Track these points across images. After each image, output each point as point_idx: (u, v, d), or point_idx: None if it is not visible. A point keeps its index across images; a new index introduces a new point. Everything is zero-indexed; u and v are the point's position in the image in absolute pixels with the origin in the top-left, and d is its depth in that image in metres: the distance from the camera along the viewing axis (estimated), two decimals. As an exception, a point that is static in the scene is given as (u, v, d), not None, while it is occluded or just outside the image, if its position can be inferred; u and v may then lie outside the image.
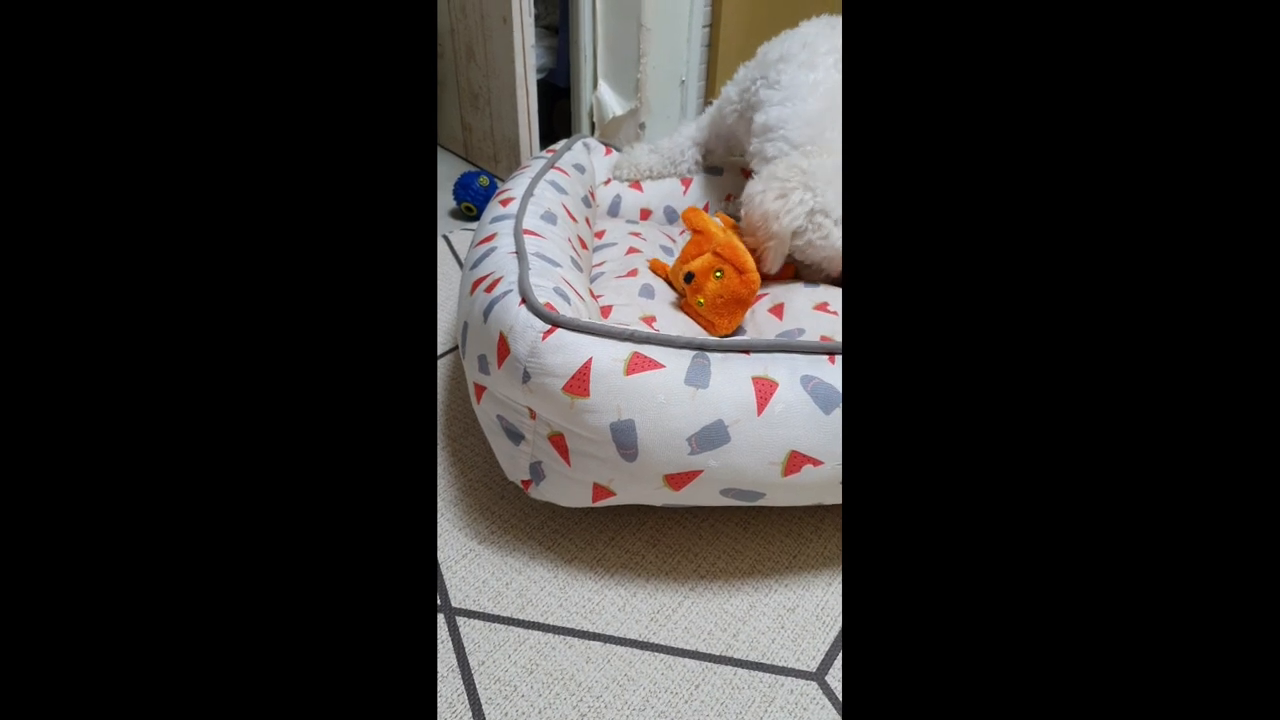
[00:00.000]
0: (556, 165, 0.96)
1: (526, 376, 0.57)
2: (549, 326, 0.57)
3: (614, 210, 1.14)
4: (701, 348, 0.57)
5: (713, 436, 0.54)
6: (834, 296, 0.86)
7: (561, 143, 1.06)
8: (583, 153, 1.08)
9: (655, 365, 0.55)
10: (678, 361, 0.56)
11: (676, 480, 0.57)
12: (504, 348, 0.58)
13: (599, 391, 0.55)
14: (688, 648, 0.57)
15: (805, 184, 0.83)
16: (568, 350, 0.55)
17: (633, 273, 0.91)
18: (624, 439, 0.55)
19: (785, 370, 0.56)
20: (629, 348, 0.56)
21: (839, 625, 0.58)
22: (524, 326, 0.57)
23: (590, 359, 0.55)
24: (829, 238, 0.83)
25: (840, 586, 0.62)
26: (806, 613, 0.60)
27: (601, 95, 1.40)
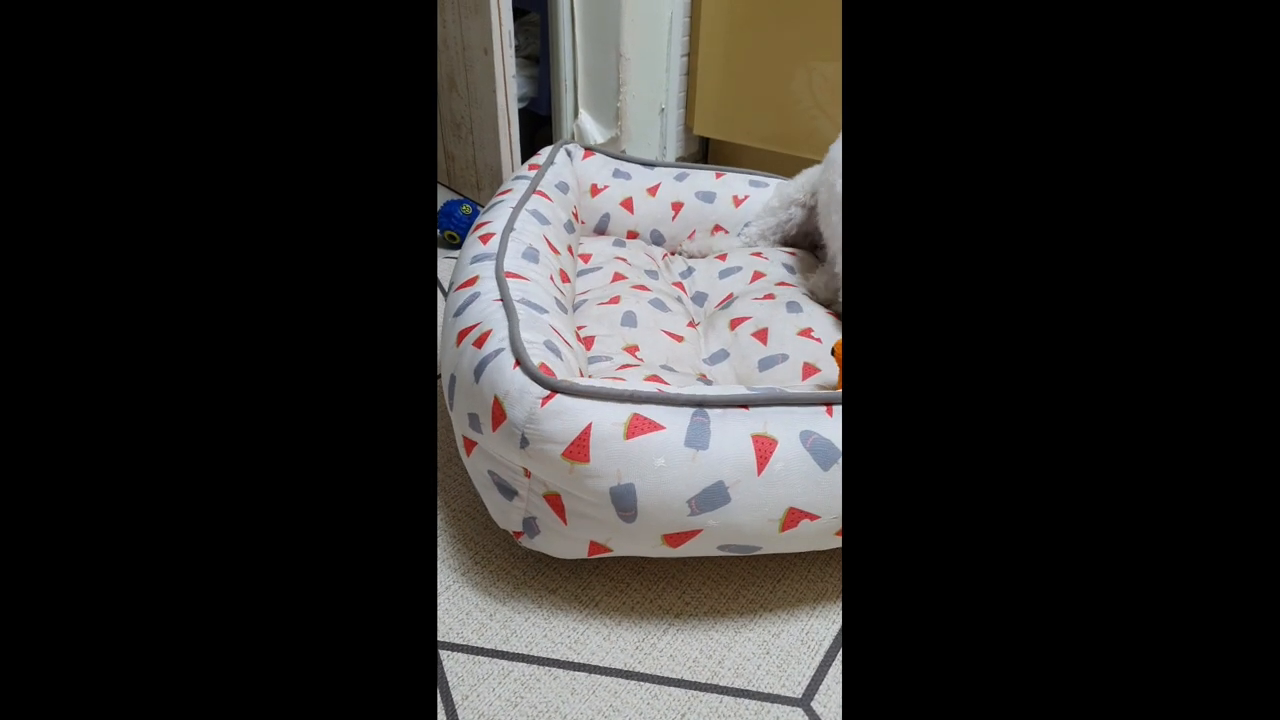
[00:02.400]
0: (539, 189, 0.90)
1: (525, 442, 0.52)
2: (547, 392, 0.52)
3: (602, 226, 1.14)
4: (701, 404, 0.53)
5: (713, 498, 0.51)
6: (817, 322, 0.87)
7: (544, 153, 0.98)
8: (566, 166, 1.00)
9: (655, 427, 0.51)
10: (677, 421, 0.51)
11: (675, 539, 0.53)
12: (499, 412, 0.53)
13: (599, 457, 0.51)
14: (673, 676, 0.54)
15: None
16: (567, 416, 0.51)
17: (615, 300, 0.92)
18: (623, 502, 0.51)
19: (783, 425, 0.53)
20: (628, 409, 0.52)
21: (824, 651, 0.56)
22: (520, 392, 0.52)
23: (590, 424, 0.51)
24: None
25: (825, 613, 0.60)
26: (792, 638, 0.57)
27: (582, 123, 1.38)
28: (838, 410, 0.56)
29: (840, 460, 0.53)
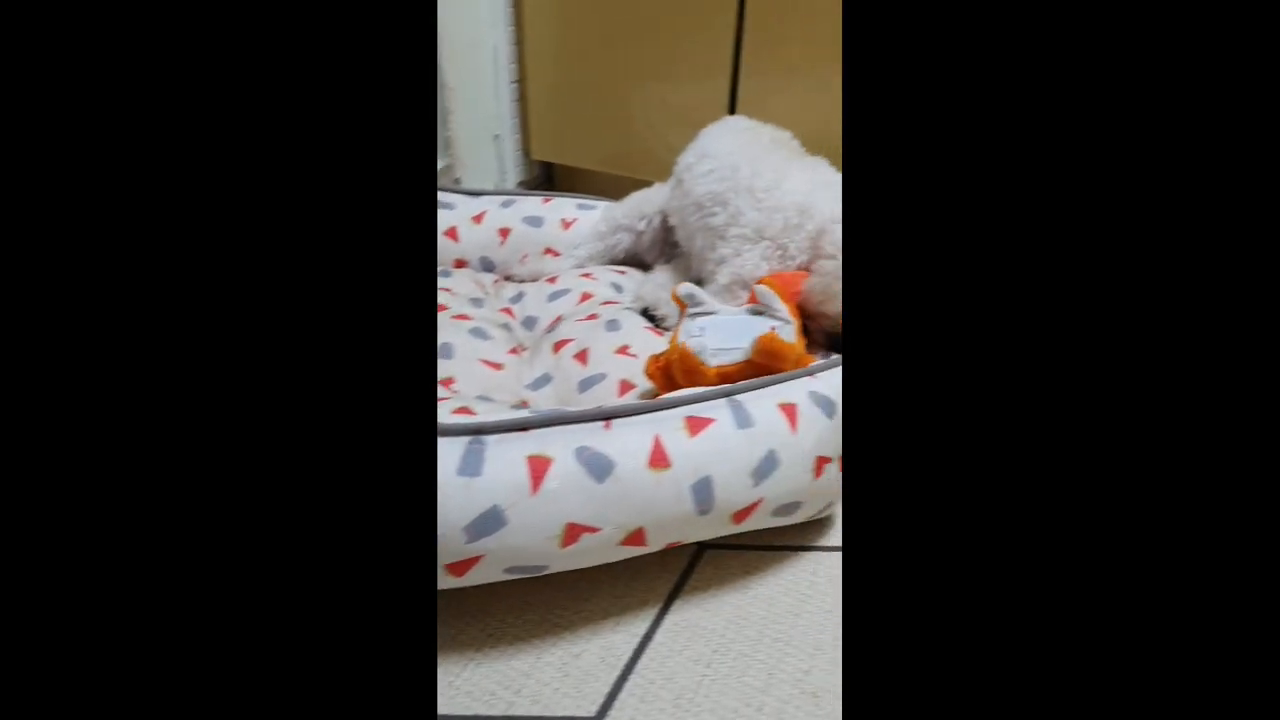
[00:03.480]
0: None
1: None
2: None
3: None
4: (478, 431, 0.53)
5: (488, 523, 0.51)
6: (634, 339, 0.89)
7: None
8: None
9: None
10: (451, 451, 0.51)
11: (457, 568, 0.52)
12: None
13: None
14: (467, 714, 0.53)
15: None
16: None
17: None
18: (398, 535, 0.53)
19: (560, 444, 0.53)
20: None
21: (622, 665, 0.56)
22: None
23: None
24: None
25: (627, 626, 0.60)
26: (592, 658, 0.57)
27: (416, 153, 1.40)
28: (616, 423, 0.57)
29: (615, 471, 0.54)
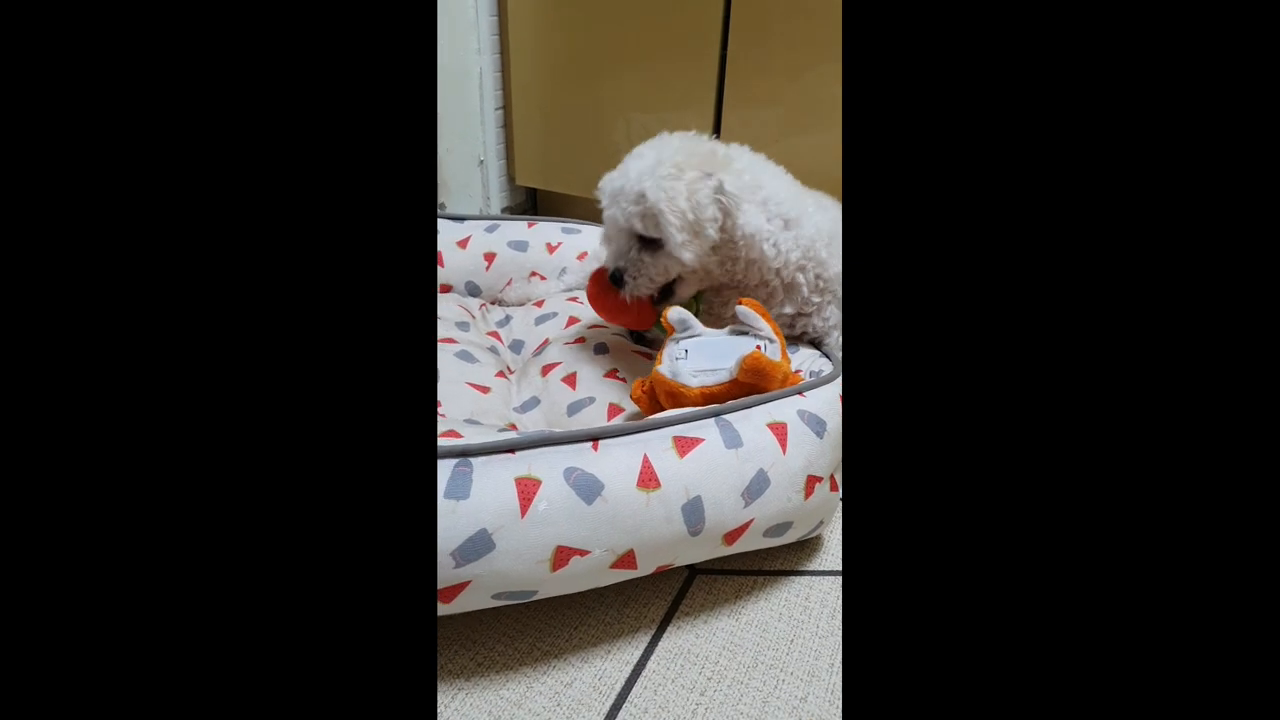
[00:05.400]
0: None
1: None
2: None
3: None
4: (464, 453, 0.52)
5: (476, 547, 0.50)
6: (623, 363, 0.89)
7: None
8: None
9: None
10: (438, 475, 0.50)
11: (445, 594, 0.51)
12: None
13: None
14: None
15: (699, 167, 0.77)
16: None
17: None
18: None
19: (548, 465, 0.53)
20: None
21: (615, 694, 0.55)
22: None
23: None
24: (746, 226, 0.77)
25: (619, 654, 0.59)
26: (584, 685, 0.56)
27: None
28: (603, 444, 0.56)
29: (604, 492, 0.53)
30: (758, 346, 0.70)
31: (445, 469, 0.51)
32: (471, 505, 0.51)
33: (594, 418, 0.80)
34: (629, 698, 0.56)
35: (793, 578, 0.68)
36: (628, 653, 0.60)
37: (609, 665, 0.59)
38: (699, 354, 0.72)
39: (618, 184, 0.82)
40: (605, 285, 0.85)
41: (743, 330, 0.74)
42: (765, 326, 0.73)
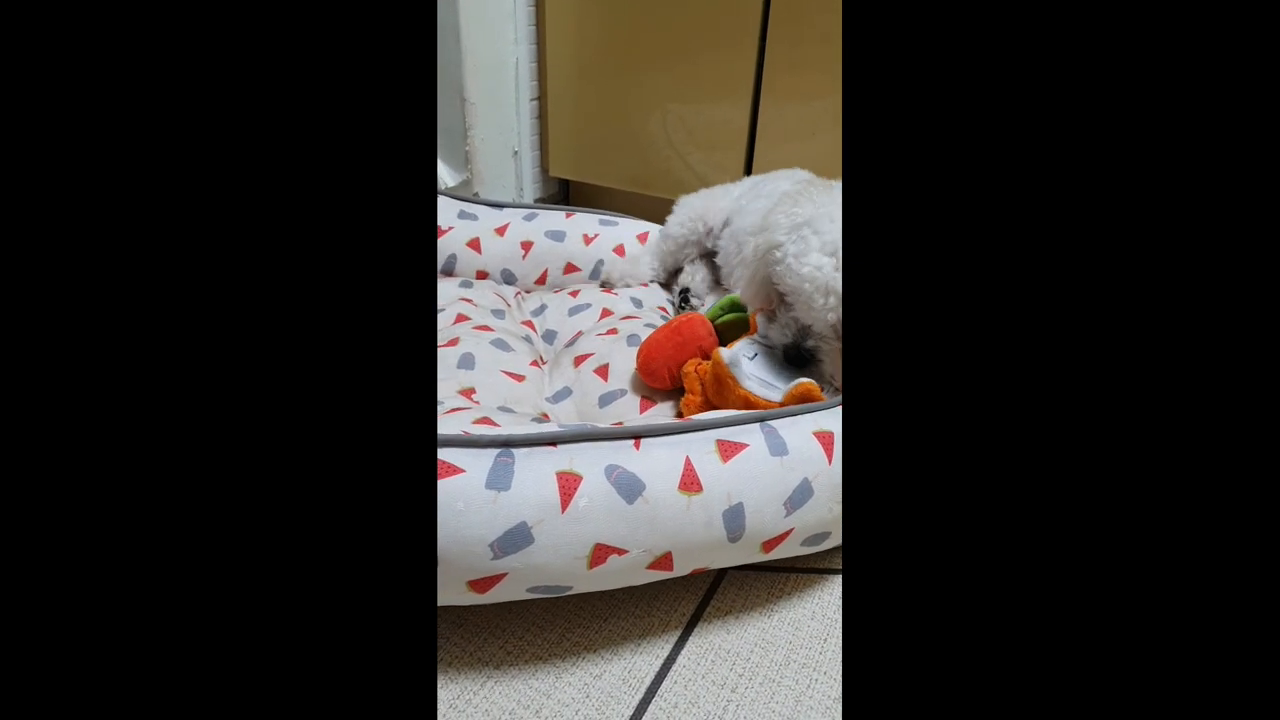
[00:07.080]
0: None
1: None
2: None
3: (448, 268, 1.12)
4: (506, 444, 0.52)
5: (515, 539, 0.50)
6: (654, 356, 0.88)
7: None
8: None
9: (455, 470, 0.49)
10: (479, 464, 0.50)
11: (480, 585, 0.51)
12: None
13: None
14: None
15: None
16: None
17: (453, 342, 0.91)
18: (425, 549, 0.52)
19: (589, 461, 0.52)
20: (429, 452, 0.52)
21: (645, 688, 0.56)
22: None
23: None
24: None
25: (649, 648, 0.59)
26: (614, 679, 0.56)
27: (435, 168, 1.41)
28: (645, 443, 0.56)
29: (645, 493, 0.53)
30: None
31: (487, 459, 0.51)
32: (512, 497, 0.51)
33: (625, 409, 0.80)
34: (659, 691, 0.56)
35: (827, 576, 0.67)
36: (658, 647, 0.60)
37: (639, 659, 0.59)
38: (762, 363, 0.73)
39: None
40: (681, 345, 0.79)
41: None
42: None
